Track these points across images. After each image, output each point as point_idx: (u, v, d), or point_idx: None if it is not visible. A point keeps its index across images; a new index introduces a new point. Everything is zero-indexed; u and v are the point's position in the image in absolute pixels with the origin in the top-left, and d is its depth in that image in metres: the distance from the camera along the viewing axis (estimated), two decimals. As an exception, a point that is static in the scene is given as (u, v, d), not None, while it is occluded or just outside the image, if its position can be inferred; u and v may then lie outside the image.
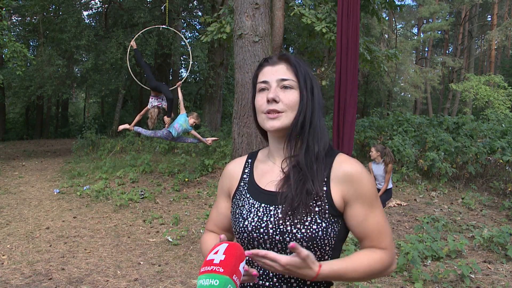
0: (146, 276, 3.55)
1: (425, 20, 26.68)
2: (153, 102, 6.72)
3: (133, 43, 6.88)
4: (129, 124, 6.85)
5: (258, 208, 1.08)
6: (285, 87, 1.08)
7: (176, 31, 8.82)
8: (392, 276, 3.62)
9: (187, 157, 8.35)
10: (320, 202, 1.03)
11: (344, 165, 1.06)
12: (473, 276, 3.61)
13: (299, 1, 10.47)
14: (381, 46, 17.98)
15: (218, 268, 0.89)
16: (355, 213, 1.04)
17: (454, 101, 24.18)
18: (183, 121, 6.54)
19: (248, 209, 1.10)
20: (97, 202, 6.18)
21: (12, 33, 12.29)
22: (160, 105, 6.74)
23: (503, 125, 9.81)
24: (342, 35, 4.87)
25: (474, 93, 16.73)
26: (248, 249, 1.08)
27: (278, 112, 1.06)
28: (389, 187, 6.09)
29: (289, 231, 1.01)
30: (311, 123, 1.08)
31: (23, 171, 8.89)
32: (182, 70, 20.72)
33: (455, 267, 3.68)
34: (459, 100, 22.83)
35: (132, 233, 4.78)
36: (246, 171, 1.20)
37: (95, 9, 17.91)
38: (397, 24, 25.16)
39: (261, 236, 1.05)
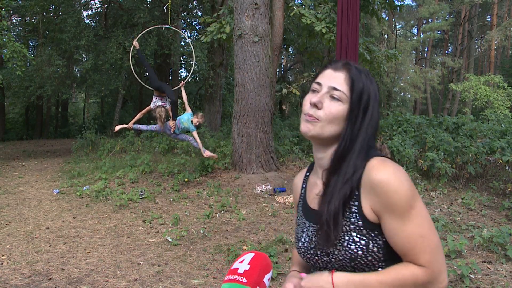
0: (145, 276, 3.55)
1: (424, 20, 26.70)
2: (157, 102, 6.71)
3: (135, 43, 6.86)
4: (127, 124, 6.83)
5: (308, 227, 1.05)
6: (333, 98, 1.00)
7: (179, 31, 8.83)
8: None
9: (186, 157, 8.34)
10: (353, 219, 0.95)
11: (373, 172, 0.95)
12: (472, 276, 3.61)
13: (299, 1, 10.48)
14: (381, 46, 18.00)
15: (241, 278, 0.88)
16: (386, 226, 0.94)
17: (453, 101, 24.20)
18: (186, 119, 6.52)
19: (301, 228, 1.08)
20: (97, 202, 6.18)
21: (12, 33, 12.29)
22: (165, 105, 6.73)
23: (502, 125, 9.81)
24: (342, 35, 4.87)
25: (473, 93, 16.75)
26: (310, 266, 1.08)
27: (315, 118, 1.00)
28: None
29: (331, 252, 0.97)
30: (355, 144, 1.00)
31: (22, 171, 8.89)
32: (182, 70, 20.73)
33: (454, 267, 3.68)
34: (458, 100, 22.85)
35: (132, 233, 4.78)
36: (303, 185, 1.16)
37: (95, 9, 17.91)
38: (396, 24, 25.17)
39: (313, 257, 1.02)
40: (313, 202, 1.06)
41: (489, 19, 26.84)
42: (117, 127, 6.89)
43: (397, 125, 9.79)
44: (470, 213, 6.07)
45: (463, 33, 26.02)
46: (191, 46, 8.65)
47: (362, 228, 0.94)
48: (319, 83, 1.03)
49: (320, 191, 1.03)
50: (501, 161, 7.47)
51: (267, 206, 5.94)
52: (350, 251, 0.94)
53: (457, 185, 7.46)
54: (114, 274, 3.61)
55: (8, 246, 4.28)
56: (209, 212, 5.41)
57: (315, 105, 1.00)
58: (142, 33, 8.24)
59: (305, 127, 1.01)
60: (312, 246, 1.01)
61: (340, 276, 0.93)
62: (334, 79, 1.02)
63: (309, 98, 1.03)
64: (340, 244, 0.95)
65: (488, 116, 11.69)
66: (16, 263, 3.82)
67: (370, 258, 0.94)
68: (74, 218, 5.37)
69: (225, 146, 8.76)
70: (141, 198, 6.31)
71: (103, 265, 3.81)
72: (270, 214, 5.55)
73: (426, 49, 28.54)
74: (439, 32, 24.47)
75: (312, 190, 1.09)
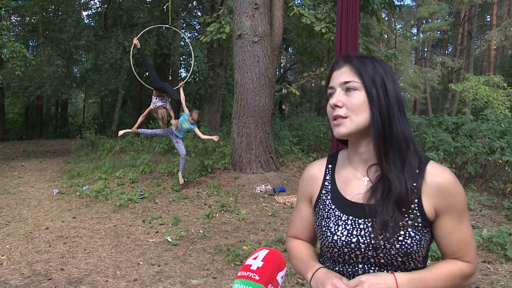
0: (145, 276, 3.55)
1: (424, 20, 26.71)
2: (157, 102, 6.71)
3: (136, 42, 6.84)
4: (131, 128, 6.85)
5: (346, 221, 1.04)
6: (348, 90, 1.02)
7: (179, 31, 8.83)
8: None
9: (186, 158, 8.34)
10: (412, 215, 0.99)
11: (437, 176, 1.01)
12: (472, 276, 3.61)
13: (299, 1, 10.48)
14: (381, 46, 18.00)
15: (254, 275, 0.87)
16: (444, 225, 1.01)
17: (453, 101, 24.21)
18: (183, 120, 6.57)
19: (335, 222, 1.05)
20: (97, 202, 6.18)
21: (12, 33, 12.28)
22: (165, 105, 6.73)
23: (502, 125, 9.82)
24: (342, 35, 4.87)
25: (473, 93, 16.76)
26: (339, 261, 1.06)
27: (342, 117, 1.01)
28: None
29: (382, 246, 0.98)
30: (390, 124, 1.00)
31: (22, 171, 8.88)
32: (182, 70, 20.73)
33: (454, 267, 3.68)
34: (458, 100, 22.86)
35: (132, 233, 4.78)
36: (328, 177, 1.15)
37: (95, 9, 17.92)
38: (396, 24, 25.18)
39: (353, 251, 1.01)
40: (356, 196, 1.06)
41: (488, 19, 26.86)
42: (121, 132, 6.90)
43: (397, 125, 9.78)
44: (470, 213, 6.07)
45: (463, 33, 26.03)
46: (190, 46, 8.65)
47: (419, 224, 0.98)
48: (331, 87, 1.06)
49: (365, 184, 1.05)
50: (500, 161, 7.47)
51: (267, 206, 5.95)
52: (406, 246, 0.97)
53: (456, 185, 7.47)
54: (114, 274, 3.60)
55: (7, 246, 4.28)
56: (209, 212, 5.41)
57: (336, 106, 1.02)
58: (142, 32, 8.22)
59: (337, 132, 1.03)
60: (354, 240, 1.01)
61: (402, 276, 0.96)
62: (341, 76, 1.04)
63: (329, 104, 1.05)
64: (395, 239, 0.97)
65: (488, 116, 11.69)
66: (15, 263, 3.81)
67: (420, 253, 0.99)
68: (73, 218, 5.37)
69: (224, 146, 8.76)
70: (141, 198, 6.31)
71: (102, 265, 3.81)
72: (269, 214, 5.55)
73: (425, 49, 28.56)
74: (438, 32, 24.49)
75: (350, 185, 1.08)
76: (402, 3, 24.00)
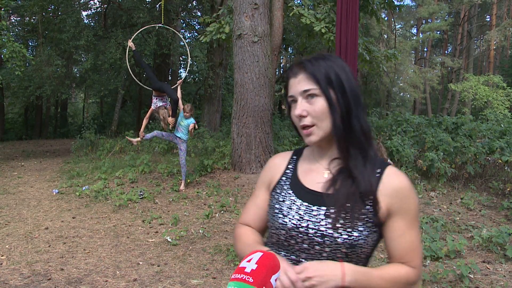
0: (145, 276, 3.55)
1: (424, 20, 26.71)
2: (157, 102, 6.75)
3: (131, 44, 6.84)
4: (139, 135, 6.86)
5: (300, 206, 1.06)
6: (309, 97, 1.05)
7: (174, 30, 8.82)
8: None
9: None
10: (365, 211, 1.02)
11: (395, 178, 1.05)
12: (472, 276, 3.61)
13: (298, 1, 10.48)
14: (380, 46, 18.00)
15: (248, 278, 0.87)
16: (394, 227, 1.04)
17: (453, 101, 24.22)
18: (180, 118, 6.60)
19: (289, 205, 1.08)
20: (96, 202, 6.18)
21: (11, 33, 12.26)
22: (166, 105, 6.77)
23: (502, 125, 9.82)
24: (341, 35, 4.87)
25: (473, 93, 16.77)
26: (284, 245, 1.07)
27: (310, 126, 1.05)
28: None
29: (330, 234, 1.00)
30: (349, 122, 1.05)
31: (22, 171, 8.88)
32: (181, 70, 20.72)
33: (454, 267, 3.69)
34: (458, 100, 22.87)
35: (131, 233, 4.78)
36: (290, 166, 1.18)
37: (94, 9, 17.90)
38: (396, 24, 25.19)
39: (300, 235, 1.03)
40: (314, 185, 1.09)
41: (488, 19, 26.87)
42: (134, 141, 6.90)
43: (397, 125, 9.80)
44: (470, 213, 6.07)
45: (463, 33, 26.04)
46: (185, 43, 8.64)
47: (369, 221, 1.01)
48: (292, 96, 1.08)
49: (325, 175, 1.09)
50: (500, 161, 7.48)
51: (266, 206, 5.94)
52: (352, 238, 0.99)
53: (456, 185, 7.47)
54: (114, 274, 3.60)
55: (7, 246, 4.28)
56: (209, 212, 5.41)
57: (301, 116, 1.05)
58: (136, 34, 8.18)
59: (308, 141, 1.07)
60: (303, 224, 1.03)
61: (349, 266, 0.98)
62: (299, 84, 1.06)
63: (293, 112, 1.07)
64: (343, 229, 0.99)
65: (488, 116, 11.69)
66: (15, 263, 3.81)
67: (364, 249, 1.02)
68: (73, 218, 5.37)
69: (224, 146, 8.76)
70: (141, 198, 6.31)
71: (102, 265, 3.81)
72: (269, 214, 5.55)
73: (425, 49, 28.56)
74: (438, 32, 24.48)
75: (311, 174, 1.12)
76: (401, 3, 24.00)
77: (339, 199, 1.01)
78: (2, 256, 4.00)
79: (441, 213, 5.92)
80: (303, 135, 1.08)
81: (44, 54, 12.71)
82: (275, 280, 0.92)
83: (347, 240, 0.99)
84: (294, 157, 1.21)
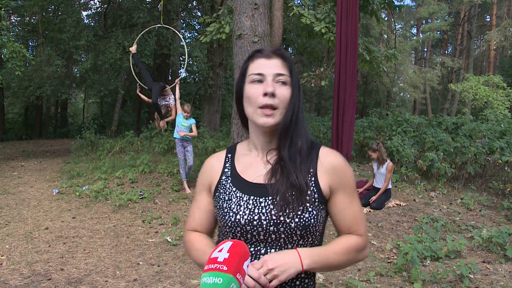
0: (145, 276, 3.55)
1: (424, 21, 26.72)
2: (161, 102, 6.84)
3: (133, 48, 6.94)
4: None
5: (247, 201, 1.08)
6: (281, 83, 1.08)
7: (173, 29, 8.80)
8: (391, 276, 3.63)
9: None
10: (309, 192, 1.06)
11: (329, 157, 1.12)
12: (472, 276, 3.61)
13: (298, 1, 10.48)
14: (380, 46, 18.00)
15: (222, 266, 0.89)
16: (338, 201, 1.11)
17: (453, 101, 24.22)
18: (180, 120, 6.58)
19: (237, 202, 1.09)
20: (96, 202, 6.18)
21: (11, 33, 12.27)
22: (168, 104, 6.81)
23: (502, 125, 9.83)
24: (341, 36, 4.87)
25: (473, 93, 16.76)
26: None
27: (273, 108, 1.06)
28: (388, 187, 6.09)
29: (282, 221, 1.03)
30: (297, 119, 1.10)
31: (22, 172, 8.88)
32: (181, 70, 20.72)
33: (454, 267, 3.69)
34: (458, 100, 22.87)
35: (131, 234, 4.78)
36: (227, 165, 1.19)
37: (94, 9, 17.89)
38: (396, 24, 25.19)
39: (255, 228, 1.05)
40: (256, 178, 1.11)
41: (488, 19, 26.86)
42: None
43: (397, 125, 9.80)
44: (470, 213, 6.07)
45: (463, 33, 26.04)
46: (184, 43, 8.64)
47: (316, 200, 1.06)
48: (260, 74, 1.08)
49: (265, 167, 1.12)
50: (500, 161, 7.48)
51: (266, 206, 5.94)
52: (304, 219, 1.03)
53: (456, 185, 7.47)
54: (114, 274, 3.60)
55: (7, 246, 4.28)
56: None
57: (272, 95, 1.05)
58: (138, 38, 8.16)
59: (265, 122, 1.07)
60: (256, 217, 1.05)
61: (304, 250, 1.03)
62: (273, 67, 1.08)
63: (256, 91, 1.07)
64: (293, 213, 1.02)
65: (488, 116, 11.70)
66: (15, 263, 3.81)
67: (316, 228, 1.06)
68: (73, 218, 5.37)
69: (224, 147, 8.76)
70: (141, 198, 6.31)
71: (102, 265, 3.81)
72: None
73: (425, 49, 28.55)
74: (438, 32, 24.48)
75: (251, 169, 1.14)
76: (401, 3, 24.02)
77: (283, 188, 1.04)
78: (2, 256, 4.00)
79: (441, 213, 5.92)
80: (259, 115, 1.07)
81: (44, 54, 12.70)
82: (247, 266, 0.94)
83: (300, 223, 1.02)
84: (229, 155, 1.22)
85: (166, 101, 6.81)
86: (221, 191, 1.15)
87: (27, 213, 5.60)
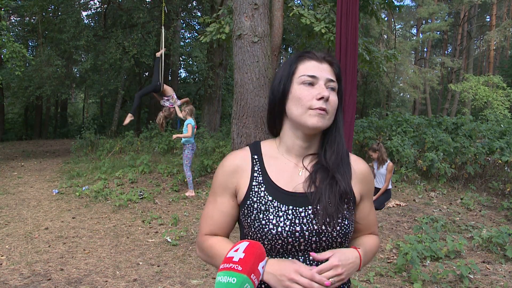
0: (145, 276, 3.55)
1: (424, 21, 26.71)
2: (165, 102, 6.99)
3: (160, 53, 7.32)
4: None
5: (287, 211, 1.04)
6: (331, 89, 1.08)
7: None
8: (391, 276, 3.63)
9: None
10: (347, 200, 1.08)
11: (360, 165, 1.15)
12: (472, 276, 3.61)
13: (298, 1, 10.48)
14: (380, 46, 18.00)
15: (236, 266, 0.90)
16: (365, 208, 1.17)
17: (453, 101, 24.22)
18: (186, 125, 6.49)
19: (275, 213, 1.04)
20: (96, 202, 6.18)
21: (11, 33, 12.26)
22: (172, 106, 6.88)
23: (502, 125, 9.83)
24: (341, 36, 4.87)
25: (473, 93, 16.75)
26: (280, 252, 1.03)
27: (326, 111, 1.05)
28: (388, 187, 6.09)
29: (325, 231, 1.03)
30: (340, 126, 1.13)
31: (22, 172, 8.88)
32: (181, 70, 20.72)
33: (454, 267, 3.69)
34: (458, 100, 22.87)
35: (131, 234, 4.78)
36: (256, 168, 1.11)
37: (94, 10, 17.89)
38: (396, 24, 25.19)
39: (297, 240, 1.02)
40: (293, 186, 1.07)
41: (488, 20, 26.87)
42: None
43: (397, 126, 9.80)
44: (469, 213, 6.07)
45: (462, 33, 26.05)
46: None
47: (351, 207, 1.09)
48: (313, 76, 1.06)
49: (301, 173, 1.10)
50: (500, 161, 7.48)
51: (266, 206, 5.94)
52: (344, 227, 1.05)
53: (456, 185, 7.47)
54: (114, 274, 3.60)
55: (7, 246, 4.28)
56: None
57: (327, 99, 1.05)
58: (163, 48, 8.00)
59: (316, 122, 1.04)
60: (297, 228, 1.02)
61: (360, 250, 1.09)
62: (325, 71, 1.08)
63: (309, 93, 1.05)
64: (334, 222, 1.03)
65: (487, 117, 11.70)
66: (15, 263, 3.81)
67: (351, 232, 1.09)
68: (73, 218, 5.37)
69: (224, 147, 8.76)
70: (140, 199, 6.31)
71: (102, 265, 3.81)
72: (269, 214, 5.55)
73: (425, 50, 28.56)
74: (438, 33, 24.48)
75: (284, 175, 1.09)
76: (401, 3, 24.03)
77: (323, 195, 1.04)
78: (2, 256, 4.00)
79: (441, 213, 5.92)
80: (312, 115, 1.04)
81: (44, 54, 12.70)
82: (262, 267, 0.94)
83: (341, 231, 1.04)
84: (255, 156, 1.14)
85: (170, 103, 6.93)
86: (255, 199, 1.07)
87: (27, 213, 5.60)
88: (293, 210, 1.03)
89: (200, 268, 3.76)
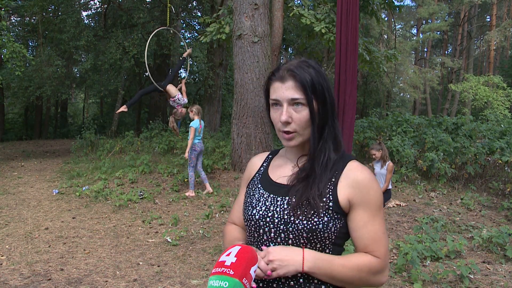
0: (145, 276, 3.55)
1: (424, 21, 26.71)
2: (173, 103, 7.11)
3: (187, 53, 7.51)
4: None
5: (267, 198, 1.14)
6: (296, 104, 1.10)
7: (176, 31, 8.84)
8: (391, 276, 3.63)
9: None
10: (324, 199, 1.08)
11: (355, 172, 1.11)
12: (472, 276, 3.61)
13: (299, 1, 10.48)
14: (380, 46, 18.00)
15: (228, 270, 0.91)
16: (357, 217, 1.09)
17: (453, 101, 24.22)
18: (194, 128, 6.41)
19: (258, 198, 1.16)
20: (96, 202, 6.18)
21: (11, 34, 12.26)
22: (178, 107, 6.99)
23: (502, 125, 9.83)
24: (341, 36, 4.87)
25: (473, 93, 16.75)
26: (255, 236, 1.13)
27: (291, 132, 1.11)
28: (388, 187, 6.09)
29: (292, 221, 1.06)
30: (322, 134, 1.14)
31: (22, 172, 8.88)
32: (181, 70, 20.69)
33: (454, 267, 3.69)
34: (458, 100, 22.87)
35: (131, 234, 4.78)
36: (265, 164, 1.28)
37: (94, 10, 17.90)
38: (396, 24, 25.19)
39: (267, 224, 1.10)
40: (281, 179, 1.17)
41: (488, 20, 26.86)
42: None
43: (397, 126, 9.80)
44: (470, 213, 6.07)
45: (463, 33, 26.04)
46: (185, 44, 8.71)
47: (330, 208, 1.07)
48: (277, 100, 1.11)
49: (292, 170, 1.17)
50: (500, 161, 7.48)
51: (266, 206, 5.94)
52: (312, 223, 1.04)
53: (456, 185, 7.47)
54: (114, 274, 3.60)
55: (7, 246, 4.28)
56: (209, 212, 5.41)
57: (286, 123, 1.10)
58: (188, 53, 7.95)
59: (287, 144, 1.14)
60: (269, 214, 1.10)
61: (310, 252, 1.04)
62: (287, 91, 1.09)
63: (276, 117, 1.13)
64: (303, 216, 1.05)
65: (488, 117, 11.69)
66: (15, 263, 3.81)
67: (325, 234, 1.06)
68: (73, 218, 5.37)
69: (224, 147, 8.76)
70: (141, 199, 6.31)
71: (102, 265, 3.81)
72: (269, 214, 5.55)
73: (425, 50, 28.56)
74: (438, 33, 24.48)
75: (279, 170, 1.21)
76: (401, 3, 24.00)
77: (300, 189, 1.09)
78: (2, 256, 4.00)
79: (441, 213, 5.92)
80: (282, 138, 1.14)
81: (44, 54, 12.70)
82: (254, 271, 0.96)
83: (307, 225, 1.04)
84: (270, 156, 1.30)
85: (177, 104, 7.03)
86: (251, 186, 1.23)
87: (27, 213, 5.60)
88: (272, 198, 1.13)
89: (200, 268, 3.76)
